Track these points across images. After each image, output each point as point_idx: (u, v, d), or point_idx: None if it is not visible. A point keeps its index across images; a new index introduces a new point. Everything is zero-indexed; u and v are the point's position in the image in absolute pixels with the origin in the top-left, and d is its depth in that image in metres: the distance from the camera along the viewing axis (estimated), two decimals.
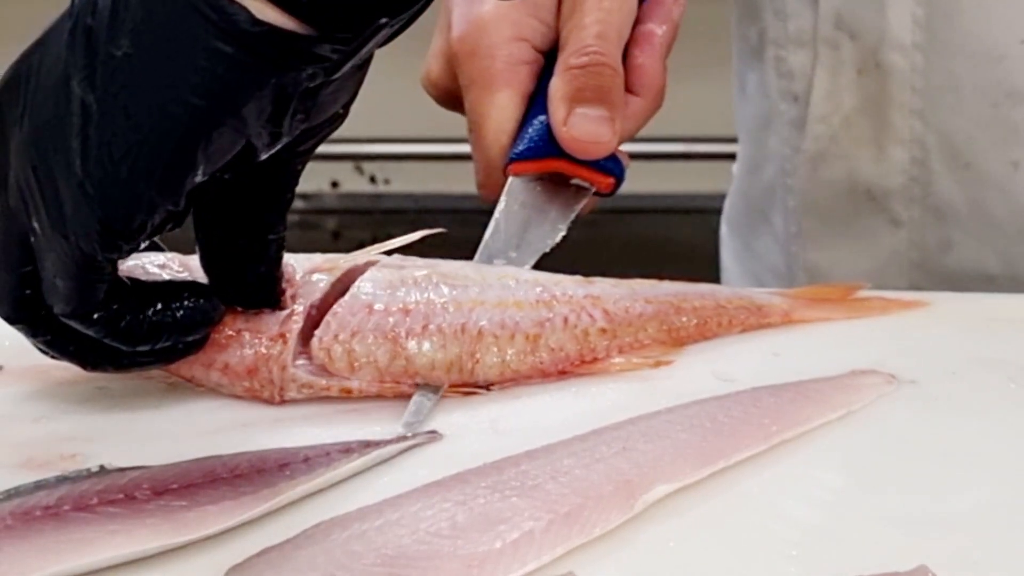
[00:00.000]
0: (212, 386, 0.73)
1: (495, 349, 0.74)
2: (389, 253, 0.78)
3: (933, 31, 0.93)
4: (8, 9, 2.96)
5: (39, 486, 0.62)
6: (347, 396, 0.73)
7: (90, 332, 0.67)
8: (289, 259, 0.74)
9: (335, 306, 0.74)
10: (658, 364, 0.77)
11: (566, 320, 0.76)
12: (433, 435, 0.70)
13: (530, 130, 0.82)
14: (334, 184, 3.09)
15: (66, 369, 0.75)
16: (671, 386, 0.75)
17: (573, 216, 0.82)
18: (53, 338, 0.69)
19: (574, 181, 0.82)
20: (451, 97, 0.89)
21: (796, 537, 0.62)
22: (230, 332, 0.72)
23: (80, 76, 0.62)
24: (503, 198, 0.82)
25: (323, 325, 0.73)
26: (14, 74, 0.65)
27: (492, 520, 0.60)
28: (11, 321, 0.69)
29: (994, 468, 0.67)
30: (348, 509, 0.61)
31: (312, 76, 0.62)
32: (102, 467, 0.64)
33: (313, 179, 3.07)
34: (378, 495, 0.63)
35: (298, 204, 3.34)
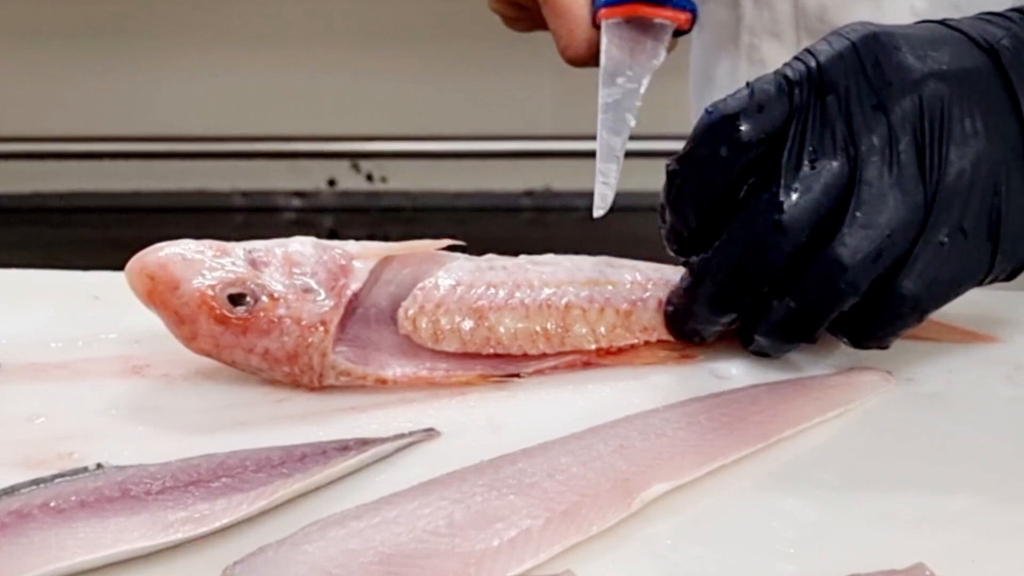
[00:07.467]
0: (252, 371, 0.74)
1: (583, 321, 0.76)
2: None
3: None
4: (7, 9, 2.96)
5: (36, 484, 0.62)
6: (382, 386, 0.74)
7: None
8: (335, 245, 0.75)
9: (424, 282, 0.76)
10: (684, 358, 0.77)
11: (660, 302, 0.77)
12: (430, 433, 0.70)
13: None
14: (331, 182, 3.10)
15: (64, 367, 0.75)
16: (668, 384, 0.75)
17: (665, 47, 0.89)
18: (715, 294, 0.73)
19: (656, 21, 0.90)
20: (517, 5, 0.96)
21: (793, 535, 0.62)
22: (272, 318, 0.72)
23: None
24: (603, 37, 0.88)
25: (410, 298, 0.75)
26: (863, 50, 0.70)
27: (490, 518, 0.60)
28: (678, 253, 0.74)
29: (991, 466, 0.67)
30: (345, 507, 0.61)
31: None
32: (99, 465, 0.64)
33: (310, 177, 3.07)
34: (375, 493, 0.63)
35: (294, 202, 3.36)
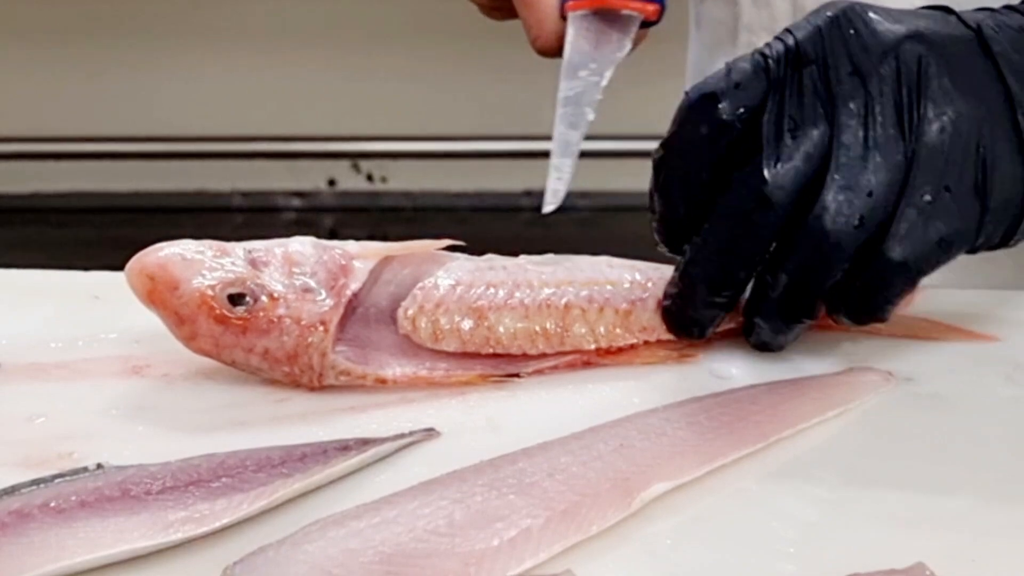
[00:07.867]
0: (251, 371, 0.74)
1: (583, 321, 0.76)
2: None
3: None
4: (7, 9, 2.97)
5: (36, 484, 0.62)
6: (382, 386, 0.74)
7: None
8: (335, 245, 0.75)
9: (423, 282, 0.76)
10: (684, 357, 0.77)
11: (659, 302, 0.77)
12: (430, 433, 0.70)
13: None
14: (331, 182, 3.10)
15: (64, 367, 0.75)
16: (668, 383, 0.75)
17: (631, 38, 0.88)
18: (710, 274, 0.73)
19: (624, 12, 0.89)
20: None
21: (793, 535, 0.62)
22: (271, 318, 0.73)
23: None
24: (569, 29, 0.88)
25: (410, 297, 0.75)
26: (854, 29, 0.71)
27: (490, 518, 0.60)
28: (667, 244, 0.75)
29: (990, 465, 0.67)
30: (345, 507, 0.61)
31: None
32: (99, 465, 0.64)
33: (310, 177, 3.07)
34: (375, 493, 0.63)
35: (294, 202, 3.35)
